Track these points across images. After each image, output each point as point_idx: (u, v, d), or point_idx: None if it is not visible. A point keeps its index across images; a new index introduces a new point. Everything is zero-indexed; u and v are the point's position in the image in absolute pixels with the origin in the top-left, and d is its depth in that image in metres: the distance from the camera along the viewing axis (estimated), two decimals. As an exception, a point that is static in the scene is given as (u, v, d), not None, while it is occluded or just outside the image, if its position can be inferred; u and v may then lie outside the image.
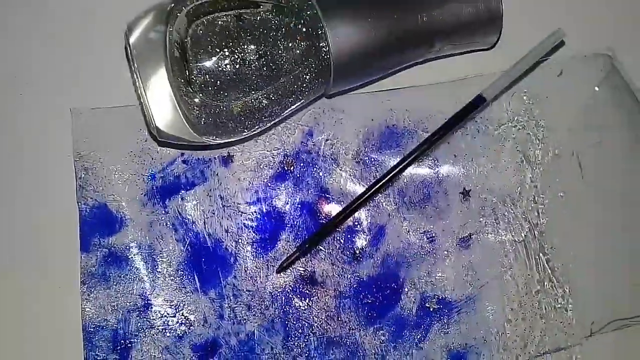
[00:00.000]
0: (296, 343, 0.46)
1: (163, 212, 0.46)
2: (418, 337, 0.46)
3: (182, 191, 0.46)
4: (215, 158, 0.46)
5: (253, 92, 0.42)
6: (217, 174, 0.46)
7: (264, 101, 0.42)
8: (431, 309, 0.46)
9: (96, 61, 0.46)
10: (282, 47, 0.41)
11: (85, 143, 0.45)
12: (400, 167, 0.45)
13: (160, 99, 0.41)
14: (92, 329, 0.45)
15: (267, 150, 0.46)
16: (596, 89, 0.47)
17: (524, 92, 0.47)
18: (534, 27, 0.45)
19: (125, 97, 0.46)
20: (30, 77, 0.46)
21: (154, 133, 0.42)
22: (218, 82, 0.40)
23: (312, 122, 0.46)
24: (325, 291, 0.46)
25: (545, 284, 0.46)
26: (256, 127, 0.44)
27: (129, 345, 0.45)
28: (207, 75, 0.40)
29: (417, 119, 0.46)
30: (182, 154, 0.46)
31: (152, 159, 0.46)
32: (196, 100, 0.41)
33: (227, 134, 0.43)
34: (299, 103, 0.44)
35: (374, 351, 0.46)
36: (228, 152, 0.46)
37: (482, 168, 0.46)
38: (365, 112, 0.46)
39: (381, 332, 0.46)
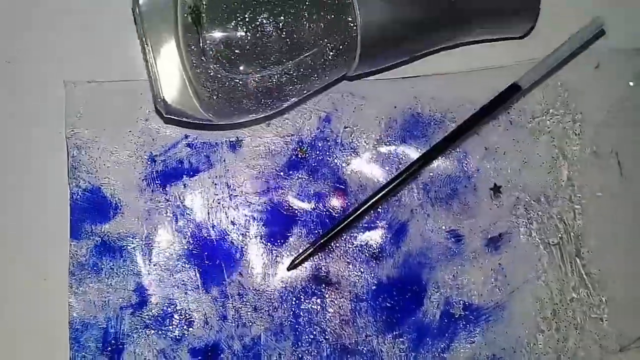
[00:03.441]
0: (307, 350, 0.41)
1: (163, 199, 0.41)
2: (441, 346, 0.42)
3: (185, 177, 0.41)
4: (222, 142, 0.42)
5: (272, 67, 0.37)
6: (225, 160, 0.42)
7: (283, 77, 0.38)
8: (456, 315, 0.42)
9: (97, 29, 0.42)
10: (305, 18, 0.37)
11: (80, 119, 0.41)
12: (426, 159, 0.41)
13: (170, 69, 0.37)
14: (79, 327, 0.40)
15: (280, 136, 0.42)
16: (630, 84, 0.44)
17: (559, 84, 0.43)
18: (569, 17, 0.42)
19: (126, 71, 0.41)
20: (22, 46, 0.41)
21: (160, 108, 0.38)
22: (234, 52, 0.36)
23: (330, 107, 0.42)
24: (340, 293, 0.42)
25: (581, 291, 0.42)
26: (272, 106, 0.39)
27: (120, 346, 0.40)
28: (223, 45, 0.36)
29: (444, 108, 0.43)
30: (187, 137, 0.42)
31: (153, 140, 0.41)
32: (209, 72, 0.36)
33: (240, 113, 0.39)
34: (320, 82, 0.40)
35: (392, 360, 0.41)
36: (237, 137, 0.42)
37: (514, 163, 0.42)
38: (388, 99, 0.43)
39: (401, 339, 0.42)
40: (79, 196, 0.41)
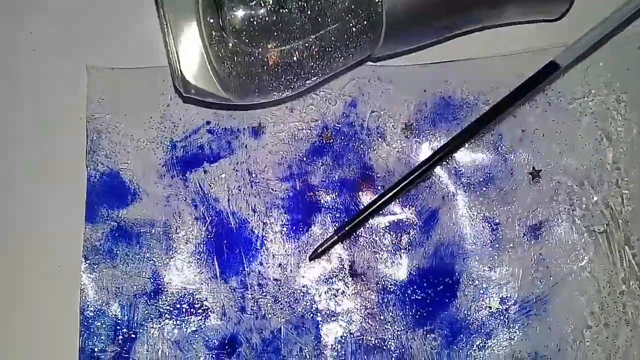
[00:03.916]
0: (330, 345, 0.38)
1: (182, 185, 0.40)
2: (477, 343, 0.38)
3: (206, 163, 0.40)
4: (244, 129, 0.40)
5: (292, 42, 0.36)
6: (246, 146, 0.40)
7: (304, 53, 0.37)
8: (493, 310, 0.39)
9: (120, 15, 0.42)
10: (328, -10, 0.36)
11: (101, 105, 0.40)
12: (458, 142, 0.39)
13: (189, 48, 0.36)
14: (90, 314, 0.38)
15: (304, 122, 0.40)
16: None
17: (601, 64, 0.40)
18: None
19: (149, 57, 0.41)
20: (46, 32, 0.41)
21: (178, 87, 0.37)
22: (255, 27, 0.35)
23: (355, 92, 0.41)
24: (366, 284, 0.39)
25: (632, 283, 0.38)
26: (293, 85, 0.38)
27: (133, 336, 0.38)
28: (243, 20, 0.35)
29: (477, 91, 0.40)
30: (208, 123, 0.40)
31: (174, 126, 0.40)
32: (229, 47, 0.35)
33: (260, 92, 0.38)
34: (343, 61, 0.38)
35: (423, 358, 0.38)
36: (259, 122, 0.40)
37: (554, 145, 0.39)
38: (417, 84, 0.41)
39: (432, 335, 0.38)
40: (96, 179, 0.40)
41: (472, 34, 0.41)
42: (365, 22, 0.37)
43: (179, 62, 0.36)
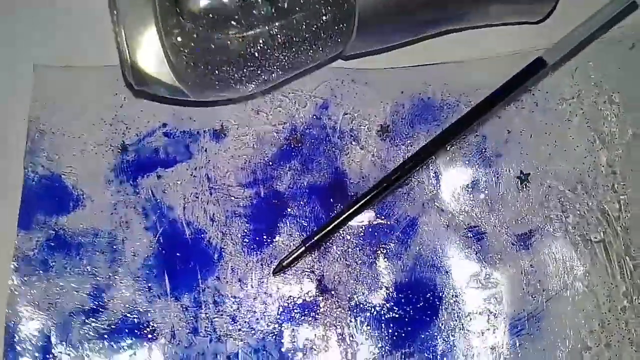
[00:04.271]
0: (295, 371, 0.33)
1: (132, 192, 0.36)
2: (463, 368, 0.33)
3: (160, 168, 0.36)
4: (204, 131, 0.37)
5: (256, 28, 0.33)
6: (206, 150, 0.36)
7: (269, 42, 0.33)
8: (480, 330, 0.34)
9: (70, 11, 0.38)
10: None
11: (47, 104, 0.37)
12: (438, 144, 0.35)
13: (142, 33, 0.33)
14: (17, 331, 0.33)
15: (271, 124, 0.37)
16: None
17: (591, 64, 0.38)
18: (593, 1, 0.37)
19: (100, 56, 0.38)
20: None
21: (129, 78, 0.33)
22: (214, 9, 0.32)
23: (327, 93, 0.37)
24: (337, 302, 0.34)
25: (634, 298, 0.34)
26: (256, 78, 0.35)
27: (66, 359, 0.32)
28: (202, 1, 0.32)
29: (458, 92, 0.37)
30: (165, 125, 0.37)
31: (127, 128, 0.37)
32: (187, 33, 0.32)
33: (220, 84, 0.34)
34: (312, 54, 0.35)
35: (401, 386, 0.33)
36: (222, 125, 0.37)
37: (543, 147, 0.36)
38: (393, 85, 0.38)
39: (412, 359, 0.33)
40: (34, 182, 0.35)
41: (452, 34, 0.38)
42: (336, 12, 0.35)
43: (129, 52, 0.33)
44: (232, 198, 0.36)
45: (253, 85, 0.35)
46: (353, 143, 0.37)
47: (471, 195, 0.36)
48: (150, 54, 0.33)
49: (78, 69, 0.37)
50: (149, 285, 0.35)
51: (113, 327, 0.34)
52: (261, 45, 0.34)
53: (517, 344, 0.34)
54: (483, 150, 0.37)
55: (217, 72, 0.34)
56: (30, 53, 0.38)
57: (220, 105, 0.37)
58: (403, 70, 0.38)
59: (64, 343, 0.33)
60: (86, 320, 0.34)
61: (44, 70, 0.37)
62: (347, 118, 0.37)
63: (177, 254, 0.35)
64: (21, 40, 0.38)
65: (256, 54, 0.34)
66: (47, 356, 0.33)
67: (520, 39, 0.39)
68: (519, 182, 0.36)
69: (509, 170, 0.36)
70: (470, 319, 0.34)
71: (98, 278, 0.34)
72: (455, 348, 0.34)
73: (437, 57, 0.39)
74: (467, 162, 0.36)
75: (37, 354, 0.33)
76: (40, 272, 0.34)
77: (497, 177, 0.36)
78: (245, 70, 0.34)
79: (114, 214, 0.35)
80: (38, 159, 0.36)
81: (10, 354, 0.33)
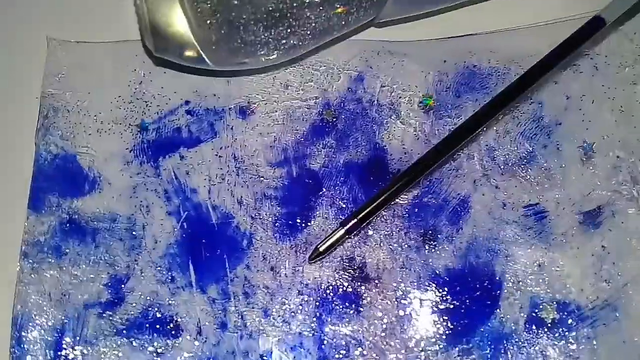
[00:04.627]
0: (336, 370, 0.29)
1: (153, 174, 0.32)
2: (530, 364, 0.29)
3: (183, 148, 0.33)
4: (230, 108, 0.34)
5: (286, -14, 0.30)
6: (232, 128, 0.33)
7: (300, 1, 0.30)
8: (548, 321, 0.30)
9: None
10: None
11: (61, 80, 0.34)
12: (489, 114, 0.31)
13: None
14: (25, 325, 0.29)
15: (302, 100, 0.34)
16: None
17: (655, 26, 0.34)
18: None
19: (118, 30, 0.35)
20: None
21: (148, 44, 0.31)
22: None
23: (362, 65, 0.34)
24: (382, 292, 0.30)
25: None
26: (284, 42, 0.31)
27: (80, 357, 0.29)
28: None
29: (507, 59, 0.33)
30: (187, 103, 0.34)
31: (147, 105, 0.34)
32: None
33: (244, 48, 0.31)
34: (345, 18, 0.32)
35: (459, 386, 0.29)
36: (248, 101, 0.34)
37: (608, 114, 0.32)
38: (435, 55, 0.34)
39: (470, 357, 0.29)
40: (46, 162, 0.32)
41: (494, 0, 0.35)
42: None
43: (148, 16, 0.30)
44: (262, 179, 0.33)
45: (280, 52, 0.32)
46: (393, 117, 0.33)
47: (529, 170, 0.32)
48: (171, 17, 0.30)
49: (94, 44, 0.35)
50: (172, 275, 0.31)
51: (132, 322, 0.30)
52: (290, 4, 0.30)
53: (592, 337, 0.29)
54: (540, 118, 0.33)
55: (242, 32, 0.31)
56: (44, 27, 0.35)
57: (245, 77, 0.34)
58: (444, 41, 0.34)
59: (77, 339, 0.30)
60: (102, 314, 0.30)
61: (58, 45, 0.34)
62: (385, 90, 0.34)
63: (203, 241, 0.32)
64: (35, 14, 0.36)
65: (285, 11, 0.30)
66: (59, 353, 0.29)
67: (566, 6, 0.35)
68: (583, 154, 0.32)
69: (571, 141, 0.32)
70: (535, 309, 0.30)
71: (116, 267, 0.31)
72: (519, 343, 0.30)
73: (479, 27, 0.35)
74: (522, 133, 0.33)
75: (47, 351, 0.29)
76: (53, 259, 0.31)
77: (558, 148, 0.32)
78: (272, 31, 0.31)
79: (133, 198, 0.32)
80: (51, 137, 0.33)
81: (17, 350, 0.29)
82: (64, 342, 0.30)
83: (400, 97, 0.34)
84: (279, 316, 0.31)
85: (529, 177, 0.32)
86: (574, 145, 0.32)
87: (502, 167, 0.32)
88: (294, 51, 0.32)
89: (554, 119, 0.33)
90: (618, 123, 0.32)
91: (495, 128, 0.33)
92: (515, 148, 0.33)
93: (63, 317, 0.30)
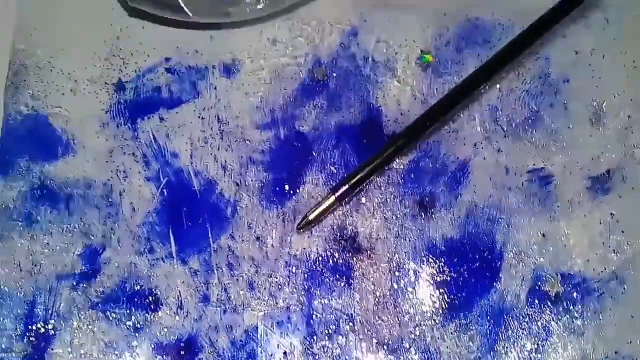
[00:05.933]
0: (326, 347, 0.27)
1: (131, 136, 0.30)
2: (531, 341, 0.27)
3: (162, 109, 0.31)
4: (213, 66, 0.31)
5: None
6: (216, 87, 0.31)
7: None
8: (551, 294, 0.28)
9: None
10: None
11: (32, 35, 0.31)
12: (490, 71, 0.29)
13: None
14: (-6, 299, 0.28)
15: (290, 57, 0.31)
16: None
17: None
18: None
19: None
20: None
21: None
22: None
23: (356, 19, 0.31)
24: (375, 263, 0.29)
25: None
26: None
27: (52, 332, 0.28)
28: None
29: (511, 12, 0.31)
30: (167, 60, 0.31)
31: (124, 63, 0.31)
32: None
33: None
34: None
35: (455, 363, 0.27)
36: (233, 58, 0.31)
37: (620, 71, 0.30)
38: (434, 6, 0.31)
39: (468, 333, 0.27)
40: (16, 122, 0.30)
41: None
42: None
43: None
44: (247, 142, 0.31)
45: (267, 0, 0.29)
46: (388, 75, 0.31)
47: (533, 131, 0.30)
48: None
49: (67, -2, 0.32)
50: (151, 245, 0.29)
51: (108, 295, 0.29)
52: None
53: (600, 311, 0.28)
54: (546, 75, 0.31)
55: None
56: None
57: (230, 31, 0.31)
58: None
59: (49, 312, 0.28)
60: (76, 286, 0.29)
61: (28, -2, 0.32)
62: (380, 46, 0.32)
63: (184, 209, 0.30)
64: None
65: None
66: (29, 327, 0.28)
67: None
68: (592, 114, 0.30)
69: (579, 99, 0.30)
70: (539, 281, 0.28)
71: (91, 237, 0.29)
72: (520, 317, 0.28)
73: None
74: (527, 91, 0.31)
75: (19, 326, 0.28)
76: (23, 227, 0.29)
77: (565, 108, 0.30)
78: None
79: (110, 162, 0.30)
80: (21, 96, 0.31)
81: (-15, 326, 0.27)
82: (34, 315, 0.28)
83: (396, 54, 0.32)
84: (264, 289, 0.29)
85: (533, 139, 0.30)
86: (583, 104, 0.31)
87: (505, 128, 0.30)
88: (278, 3, 0.30)
89: (561, 76, 0.31)
90: (630, 80, 0.31)
91: (498, 86, 0.31)
92: (520, 108, 0.31)
93: (34, 289, 0.29)
